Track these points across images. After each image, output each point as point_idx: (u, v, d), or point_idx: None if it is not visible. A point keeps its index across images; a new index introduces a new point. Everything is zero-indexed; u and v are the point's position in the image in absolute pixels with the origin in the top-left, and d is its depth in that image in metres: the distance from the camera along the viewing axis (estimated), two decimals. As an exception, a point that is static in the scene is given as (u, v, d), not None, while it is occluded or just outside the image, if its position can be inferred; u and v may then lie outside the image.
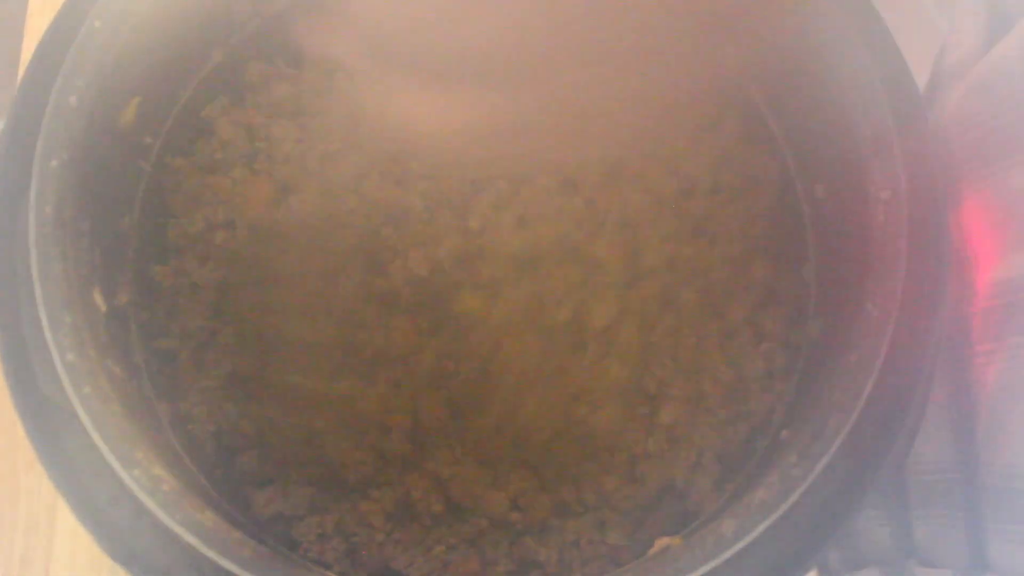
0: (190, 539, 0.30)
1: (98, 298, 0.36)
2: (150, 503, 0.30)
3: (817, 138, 0.40)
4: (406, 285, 0.41)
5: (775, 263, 0.42)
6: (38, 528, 0.45)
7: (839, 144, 0.38)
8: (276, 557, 0.32)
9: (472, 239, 0.42)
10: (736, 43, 0.41)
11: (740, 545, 0.32)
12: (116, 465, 0.31)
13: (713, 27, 0.41)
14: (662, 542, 0.37)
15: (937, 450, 0.39)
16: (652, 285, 0.42)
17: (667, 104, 0.42)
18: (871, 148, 0.36)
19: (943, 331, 0.35)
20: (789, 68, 0.40)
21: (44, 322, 0.32)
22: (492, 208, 0.42)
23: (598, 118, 0.41)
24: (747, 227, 0.43)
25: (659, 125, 0.42)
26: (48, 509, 0.45)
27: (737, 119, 0.43)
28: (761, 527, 0.32)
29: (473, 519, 0.39)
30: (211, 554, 0.30)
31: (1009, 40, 0.39)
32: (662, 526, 0.39)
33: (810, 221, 0.42)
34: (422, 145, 0.42)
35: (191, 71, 0.42)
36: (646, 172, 0.43)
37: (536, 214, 0.42)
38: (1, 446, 0.46)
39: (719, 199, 0.43)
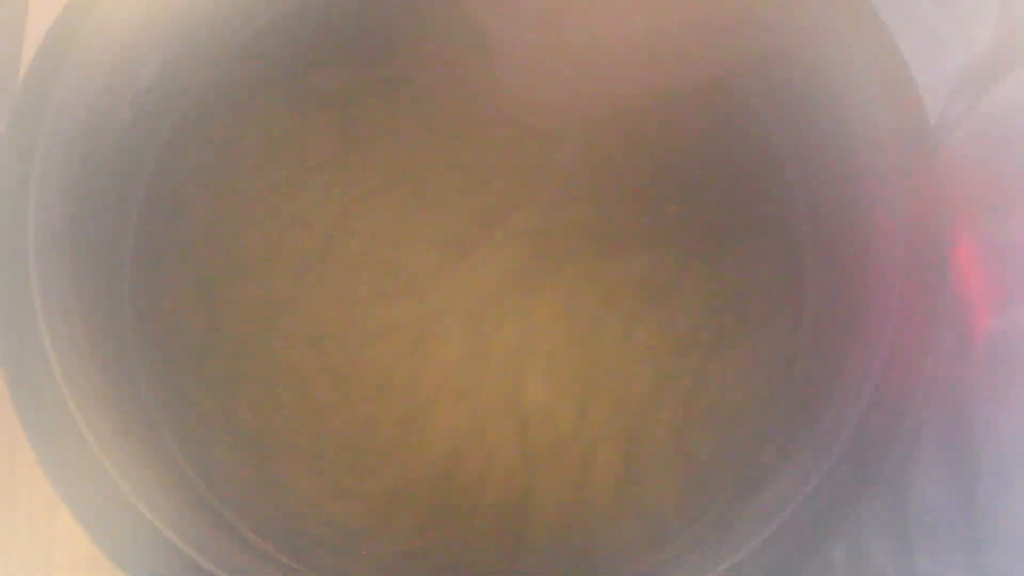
0: (187, 547, 0.30)
1: (99, 302, 0.36)
2: (147, 508, 0.30)
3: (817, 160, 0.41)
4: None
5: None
6: (38, 529, 0.45)
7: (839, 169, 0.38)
8: (275, 565, 0.32)
9: None
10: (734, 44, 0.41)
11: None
12: (113, 470, 0.31)
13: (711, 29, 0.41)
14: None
15: (938, 491, 0.39)
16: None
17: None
18: (872, 177, 0.36)
19: (937, 364, 0.35)
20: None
21: (43, 326, 0.32)
22: None
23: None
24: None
25: None
26: (48, 510, 0.45)
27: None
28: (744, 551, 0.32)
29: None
30: (207, 562, 0.30)
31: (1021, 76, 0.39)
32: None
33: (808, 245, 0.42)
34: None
35: (200, 67, 0.42)
36: None
37: None
38: (1, 446, 0.46)
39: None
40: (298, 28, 0.44)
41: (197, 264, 0.42)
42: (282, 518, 0.38)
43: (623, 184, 0.43)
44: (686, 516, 0.39)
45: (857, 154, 0.37)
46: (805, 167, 0.42)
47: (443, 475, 0.39)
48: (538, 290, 0.41)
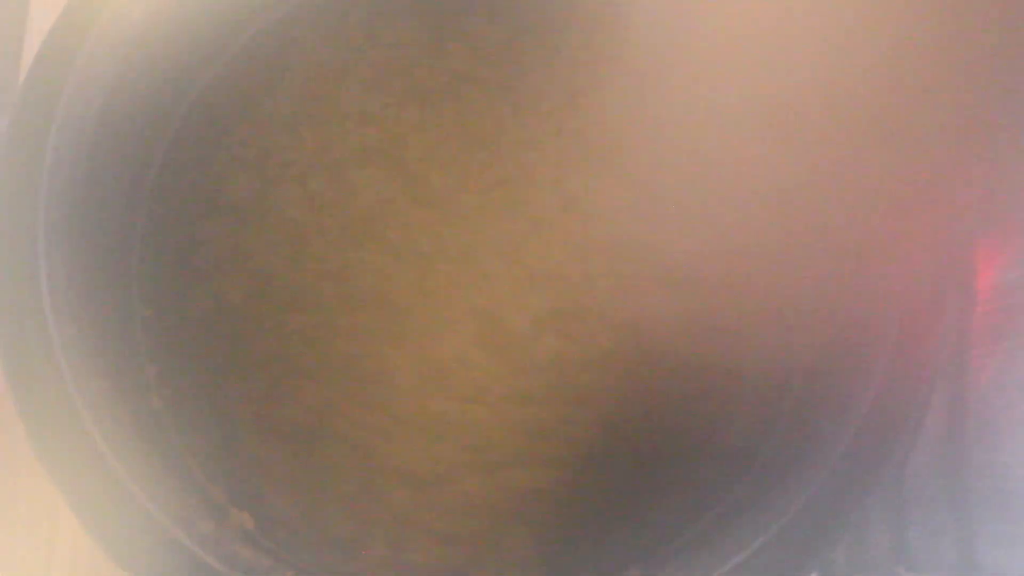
0: (191, 543, 0.30)
1: (106, 298, 0.36)
2: (151, 506, 0.30)
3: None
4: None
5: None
6: (38, 528, 0.44)
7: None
8: (278, 563, 0.32)
9: None
10: None
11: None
12: (118, 466, 0.31)
13: None
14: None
15: (932, 455, 0.39)
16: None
17: None
18: None
19: (944, 343, 0.35)
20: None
21: (50, 326, 0.32)
22: None
23: None
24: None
25: None
26: (48, 509, 0.45)
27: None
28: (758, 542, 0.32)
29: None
30: (211, 559, 0.30)
31: None
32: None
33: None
34: None
35: (210, 60, 0.42)
36: None
37: None
38: (1, 446, 0.45)
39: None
40: (300, 26, 0.44)
41: (204, 259, 0.42)
42: (288, 515, 0.38)
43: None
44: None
45: None
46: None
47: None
48: None
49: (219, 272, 0.42)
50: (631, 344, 0.41)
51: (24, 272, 0.33)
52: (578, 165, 0.43)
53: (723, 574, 0.33)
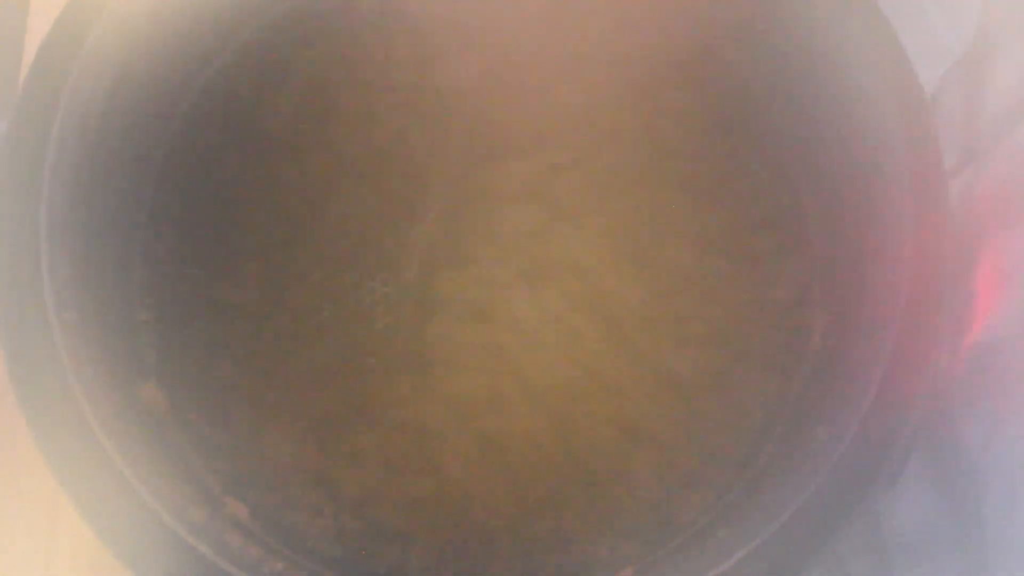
0: (192, 539, 0.30)
1: (106, 302, 0.36)
2: (145, 492, 0.30)
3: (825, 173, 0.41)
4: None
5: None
6: (38, 528, 0.44)
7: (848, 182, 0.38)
8: (278, 558, 0.32)
9: None
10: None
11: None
12: (120, 463, 0.31)
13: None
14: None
15: (921, 508, 0.39)
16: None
17: None
18: (882, 194, 0.36)
19: (932, 379, 0.35)
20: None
21: (54, 324, 0.32)
22: None
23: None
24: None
25: None
26: (49, 509, 0.45)
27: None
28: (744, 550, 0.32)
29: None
30: (212, 555, 0.30)
31: None
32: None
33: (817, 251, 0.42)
34: None
35: (210, 59, 0.42)
36: None
37: None
38: (1, 446, 0.45)
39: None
40: (303, 24, 0.44)
41: (205, 252, 0.42)
42: (289, 512, 0.38)
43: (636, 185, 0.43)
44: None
45: (865, 156, 0.37)
46: (813, 167, 0.42)
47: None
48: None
49: (220, 264, 0.42)
50: (630, 343, 0.41)
51: (26, 261, 0.33)
52: None
53: (725, 571, 0.33)
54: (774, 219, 0.42)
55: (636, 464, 0.40)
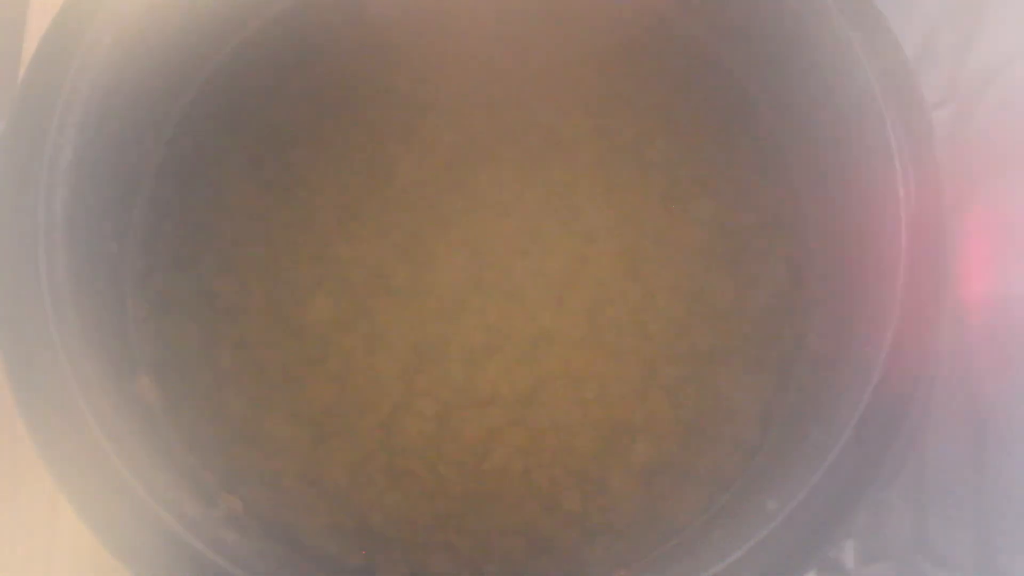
0: (188, 535, 0.30)
1: (103, 299, 0.36)
2: (141, 487, 0.30)
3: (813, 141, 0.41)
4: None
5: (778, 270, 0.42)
6: (38, 528, 0.45)
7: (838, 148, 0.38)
8: (279, 557, 0.32)
9: None
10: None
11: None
12: (115, 459, 0.31)
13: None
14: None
15: (952, 451, 0.39)
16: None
17: None
18: (872, 150, 0.36)
19: (941, 340, 0.35)
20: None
21: (51, 322, 0.32)
22: None
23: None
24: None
25: None
26: (48, 509, 0.45)
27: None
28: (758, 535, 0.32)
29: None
30: (207, 550, 0.30)
31: None
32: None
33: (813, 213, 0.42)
34: None
35: (209, 58, 0.42)
36: None
37: None
38: (1, 445, 0.45)
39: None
40: (303, 22, 0.44)
41: (202, 255, 0.42)
42: (286, 509, 0.39)
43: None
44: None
45: (859, 144, 0.37)
46: (806, 159, 0.42)
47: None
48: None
49: (217, 262, 0.42)
50: (621, 346, 0.41)
51: (23, 259, 0.33)
52: None
53: (721, 571, 0.33)
54: (767, 219, 0.42)
55: (629, 466, 0.40)
